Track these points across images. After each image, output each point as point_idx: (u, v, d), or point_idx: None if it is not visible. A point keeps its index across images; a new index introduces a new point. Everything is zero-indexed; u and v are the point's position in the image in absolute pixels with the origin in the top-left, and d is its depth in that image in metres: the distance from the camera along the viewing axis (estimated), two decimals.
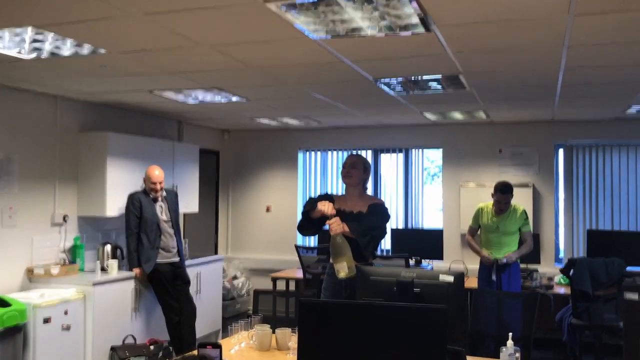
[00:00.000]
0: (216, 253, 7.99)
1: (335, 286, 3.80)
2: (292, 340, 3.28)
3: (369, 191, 4.44)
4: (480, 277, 5.48)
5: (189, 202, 6.85)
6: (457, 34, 3.23)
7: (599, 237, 6.43)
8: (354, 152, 4.04)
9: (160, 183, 5.60)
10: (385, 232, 3.86)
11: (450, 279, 2.85)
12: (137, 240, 5.46)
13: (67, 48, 3.70)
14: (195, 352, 2.42)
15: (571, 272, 5.28)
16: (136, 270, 5.43)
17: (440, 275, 2.88)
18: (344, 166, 3.90)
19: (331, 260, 3.63)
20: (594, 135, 6.86)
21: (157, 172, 5.59)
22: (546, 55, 3.69)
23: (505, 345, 2.91)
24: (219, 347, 2.38)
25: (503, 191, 5.35)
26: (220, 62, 3.98)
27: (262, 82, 4.67)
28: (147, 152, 6.12)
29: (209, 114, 6.72)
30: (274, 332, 3.38)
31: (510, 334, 2.97)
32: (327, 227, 3.62)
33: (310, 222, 3.78)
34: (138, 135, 6.14)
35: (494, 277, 5.26)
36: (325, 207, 3.53)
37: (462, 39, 3.36)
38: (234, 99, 5.47)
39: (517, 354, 2.93)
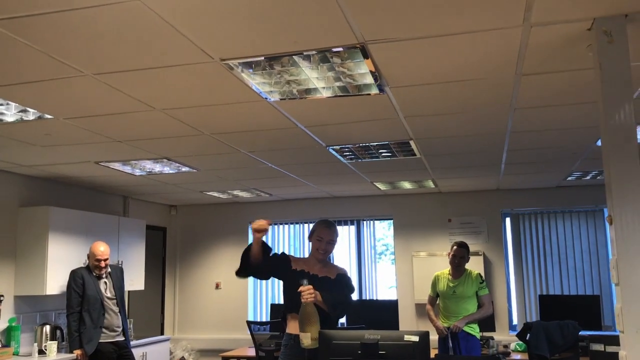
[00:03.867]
0: (162, 333, 7.60)
1: (294, 358, 3.63)
2: None
3: None
4: (440, 347, 5.36)
5: (135, 279, 6.56)
6: (409, 95, 3.31)
7: (551, 301, 6.48)
8: (323, 219, 3.91)
9: (105, 260, 5.34)
10: (352, 306, 3.79)
11: (416, 338, 2.76)
12: (79, 319, 5.13)
13: (11, 114, 3.57)
14: None
15: (527, 336, 5.25)
16: (77, 352, 5.05)
17: (405, 335, 2.79)
18: (319, 238, 3.67)
19: (298, 330, 3.47)
20: (538, 203, 7.07)
21: (102, 249, 5.34)
22: (493, 116, 3.82)
23: None
24: None
25: (460, 245, 5.39)
26: (172, 128, 3.92)
27: (214, 150, 4.62)
28: (90, 227, 5.88)
29: (156, 188, 6.57)
30: None
31: None
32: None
33: (249, 262, 3.63)
34: (82, 210, 5.91)
35: (450, 344, 5.16)
36: (260, 224, 3.52)
37: (413, 101, 3.44)
38: (184, 169, 5.38)
39: None
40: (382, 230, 8.53)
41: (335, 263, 4.01)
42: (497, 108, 3.60)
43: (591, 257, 6.91)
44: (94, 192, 6.50)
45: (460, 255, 5.36)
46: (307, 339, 3.25)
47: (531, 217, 7.17)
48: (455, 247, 5.40)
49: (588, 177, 6.35)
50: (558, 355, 5.27)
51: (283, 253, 3.85)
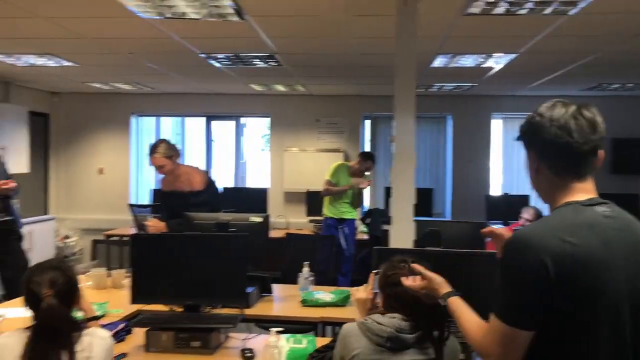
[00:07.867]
0: (46, 213, 8.07)
1: None
2: (126, 280, 3.81)
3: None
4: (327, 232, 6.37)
5: (19, 163, 6.90)
6: (267, 23, 3.95)
7: None
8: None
9: None
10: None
11: (260, 219, 3.61)
12: None
13: None
14: None
15: (368, 220, 6.40)
16: None
17: (250, 217, 3.63)
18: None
19: None
20: (392, 109, 8.02)
21: None
22: (336, 42, 4.56)
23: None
24: None
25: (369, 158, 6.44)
26: (56, 32, 4.30)
27: (96, 51, 5.02)
28: None
29: (38, 77, 6.79)
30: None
31: (307, 262, 3.81)
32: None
33: None
34: None
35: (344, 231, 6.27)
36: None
37: (272, 27, 4.09)
38: (66, 63, 5.70)
39: (312, 278, 3.78)
40: (262, 128, 9.29)
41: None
42: (335, 37, 4.35)
43: (438, 156, 8.11)
44: None
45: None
46: None
47: (387, 120, 8.19)
48: (369, 162, 6.37)
49: (434, 89, 7.37)
50: None
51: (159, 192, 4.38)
